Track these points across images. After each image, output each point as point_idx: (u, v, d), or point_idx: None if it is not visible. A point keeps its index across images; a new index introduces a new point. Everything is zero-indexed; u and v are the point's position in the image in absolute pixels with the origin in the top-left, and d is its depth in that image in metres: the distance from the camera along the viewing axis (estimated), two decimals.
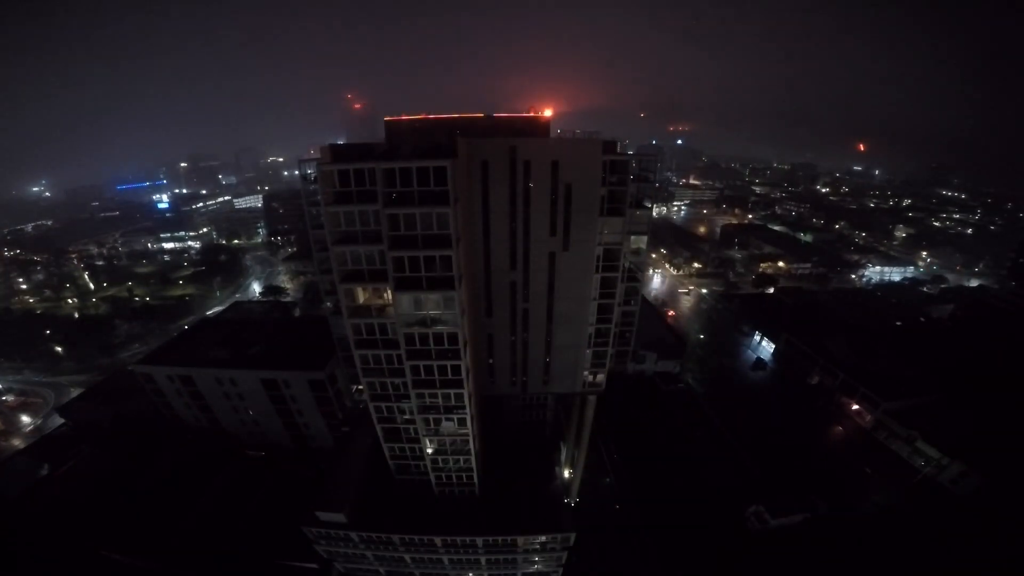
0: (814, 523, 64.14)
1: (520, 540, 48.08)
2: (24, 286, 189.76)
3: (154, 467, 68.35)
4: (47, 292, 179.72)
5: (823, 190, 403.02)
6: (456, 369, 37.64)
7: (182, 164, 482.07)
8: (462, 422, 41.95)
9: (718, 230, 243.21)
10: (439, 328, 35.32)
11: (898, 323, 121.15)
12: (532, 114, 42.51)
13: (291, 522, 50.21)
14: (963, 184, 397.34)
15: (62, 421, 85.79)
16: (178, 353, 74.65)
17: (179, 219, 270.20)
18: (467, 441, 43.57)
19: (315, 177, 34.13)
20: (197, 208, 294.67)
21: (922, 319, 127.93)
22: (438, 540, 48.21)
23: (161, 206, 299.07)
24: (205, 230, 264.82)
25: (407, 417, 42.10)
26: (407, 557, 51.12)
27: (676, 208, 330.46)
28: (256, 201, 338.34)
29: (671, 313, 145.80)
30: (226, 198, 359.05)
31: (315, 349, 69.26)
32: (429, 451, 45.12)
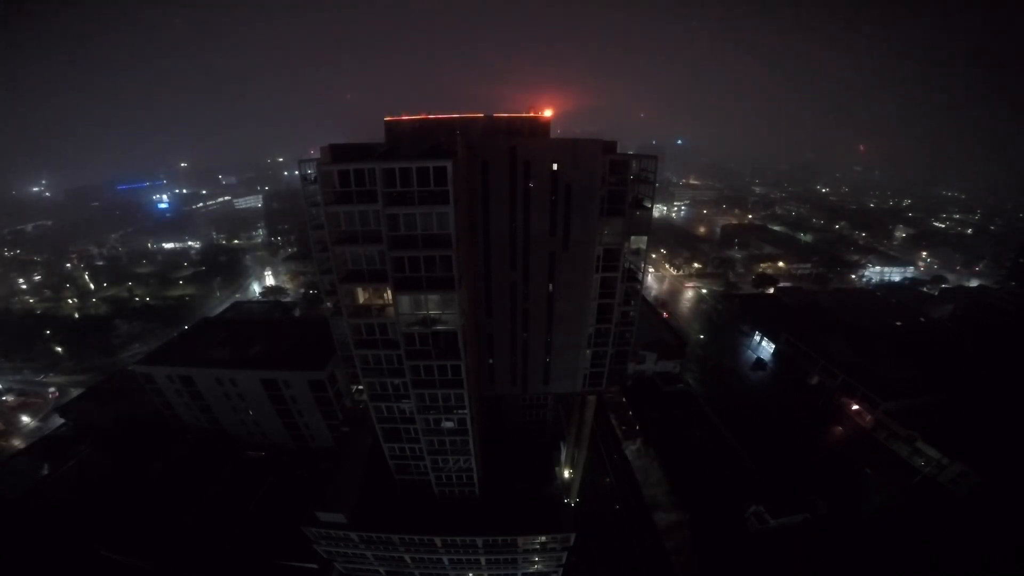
0: (814, 523, 64.24)
1: (520, 540, 48.05)
2: (24, 286, 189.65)
3: (154, 467, 68.38)
4: (47, 292, 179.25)
5: (823, 190, 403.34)
6: (456, 369, 37.56)
7: (182, 164, 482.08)
8: (462, 422, 41.91)
9: (718, 230, 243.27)
10: (439, 328, 35.22)
11: (898, 323, 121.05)
12: (532, 114, 42.28)
13: (291, 522, 50.18)
14: (963, 184, 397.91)
15: (62, 421, 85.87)
16: (178, 353, 74.68)
17: (179, 219, 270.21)
18: (467, 441, 43.50)
19: (315, 177, 34.11)
20: (197, 208, 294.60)
21: (922, 319, 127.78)
22: (438, 540, 48.21)
23: (161, 206, 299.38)
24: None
25: (407, 417, 42.08)
26: (407, 557, 51.13)
27: (676, 208, 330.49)
28: (256, 201, 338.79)
29: (670, 313, 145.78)
30: (226, 198, 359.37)
31: (315, 349, 69.35)
32: (429, 451, 45.11)
